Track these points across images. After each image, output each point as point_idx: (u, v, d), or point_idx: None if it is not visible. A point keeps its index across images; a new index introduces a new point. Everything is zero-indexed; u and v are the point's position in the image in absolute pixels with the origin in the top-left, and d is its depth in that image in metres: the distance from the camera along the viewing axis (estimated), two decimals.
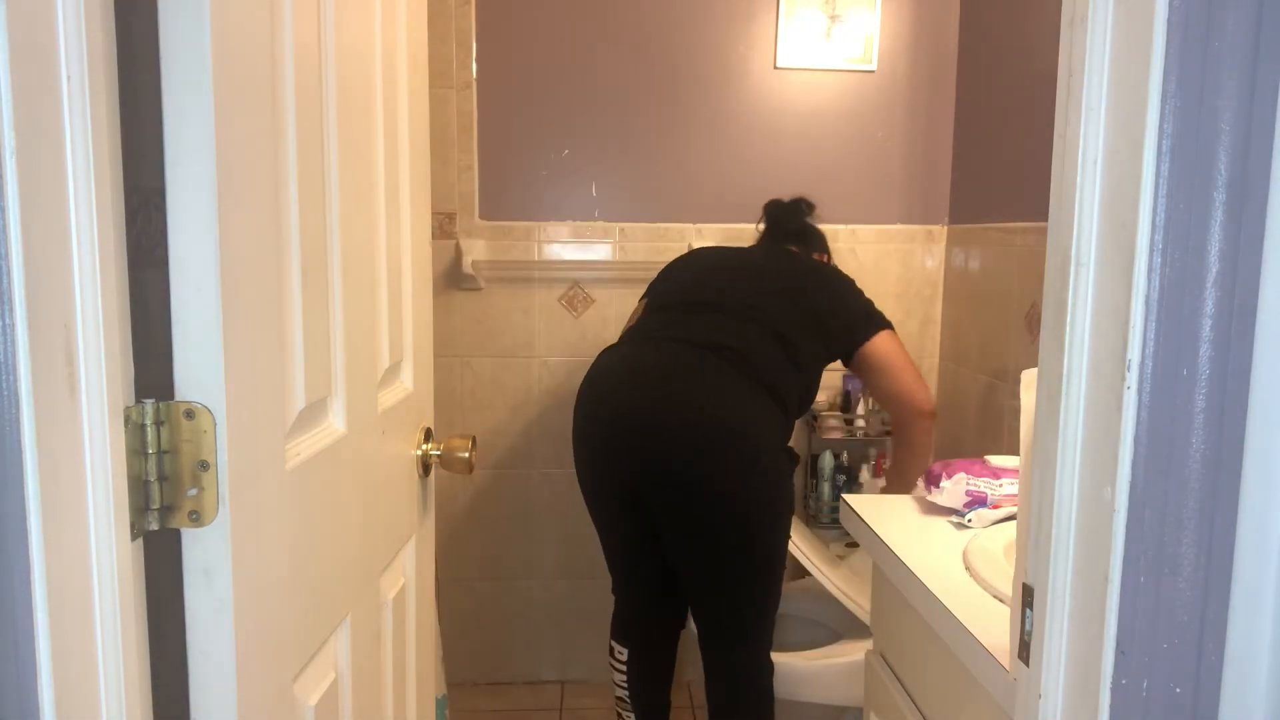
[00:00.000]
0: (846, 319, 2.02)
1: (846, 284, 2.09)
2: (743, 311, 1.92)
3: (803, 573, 2.65)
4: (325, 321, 0.89)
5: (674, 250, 2.57)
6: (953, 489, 1.41)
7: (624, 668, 2.05)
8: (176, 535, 0.69)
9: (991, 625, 1.01)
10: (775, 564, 1.87)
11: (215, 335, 0.68)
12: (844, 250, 2.61)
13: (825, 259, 2.19)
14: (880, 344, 2.01)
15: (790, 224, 2.19)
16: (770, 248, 2.16)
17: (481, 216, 2.54)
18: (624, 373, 1.89)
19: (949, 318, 2.63)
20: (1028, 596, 0.70)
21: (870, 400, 2.55)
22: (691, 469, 1.77)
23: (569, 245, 2.57)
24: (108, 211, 0.59)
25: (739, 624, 1.89)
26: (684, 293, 2.02)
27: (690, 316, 1.94)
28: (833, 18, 2.51)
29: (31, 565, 0.53)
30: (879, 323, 2.04)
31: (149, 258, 0.68)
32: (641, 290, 2.21)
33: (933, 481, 1.44)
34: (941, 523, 1.39)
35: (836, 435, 2.55)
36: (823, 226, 2.57)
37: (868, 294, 2.09)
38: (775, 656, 1.98)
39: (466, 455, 1.21)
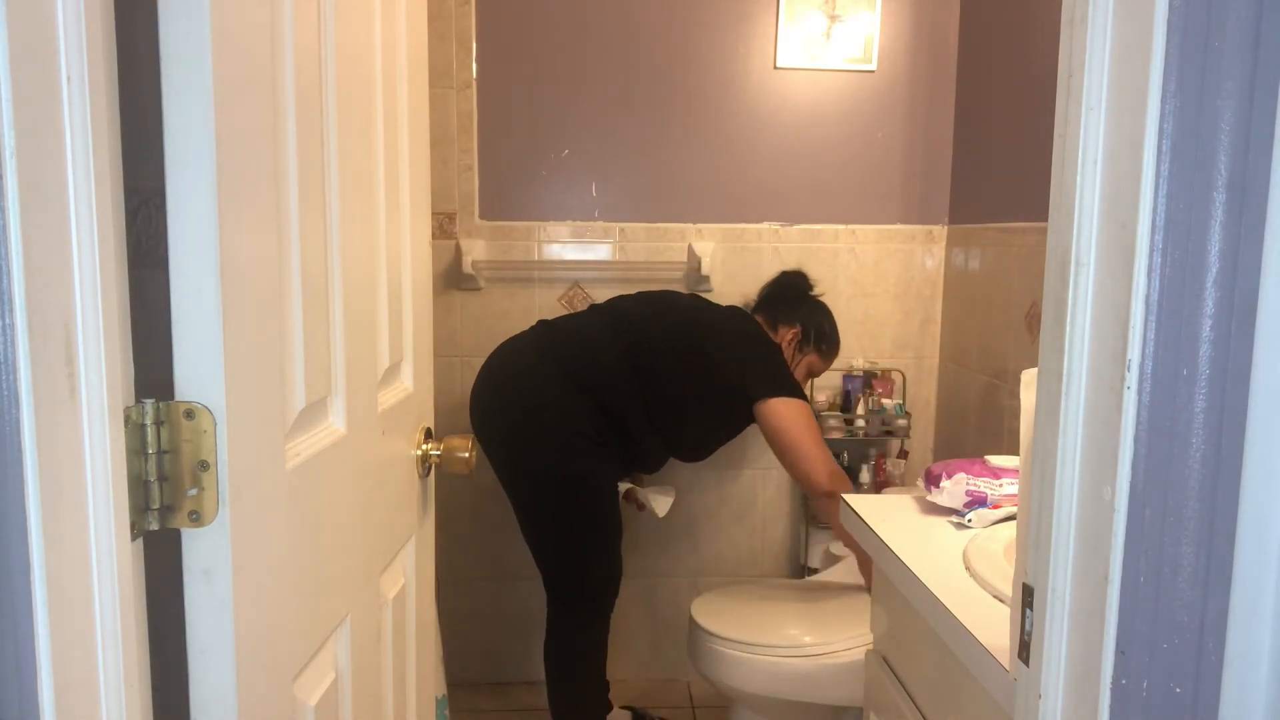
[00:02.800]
0: (740, 371, 2.07)
1: (761, 346, 2.14)
2: (608, 321, 2.13)
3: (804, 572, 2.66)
4: (325, 321, 0.89)
5: (674, 250, 2.57)
6: (953, 489, 1.41)
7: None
8: (176, 535, 0.69)
9: (991, 625, 1.01)
10: (566, 531, 2.06)
11: (215, 335, 0.68)
12: (844, 250, 2.61)
13: (794, 333, 2.22)
14: (777, 407, 2.04)
15: (762, 292, 2.35)
16: (723, 306, 2.27)
17: (481, 216, 2.54)
18: (487, 366, 2.17)
19: (949, 318, 2.63)
20: (1028, 596, 0.70)
21: (870, 400, 2.55)
22: (505, 443, 2.07)
23: (569, 245, 2.57)
24: (108, 211, 0.59)
25: (546, 583, 2.16)
26: (602, 303, 2.26)
27: (570, 320, 2.20)
28: (833, 18, 2.51)
29: (31, 565, 0.53)
30: (784, 389, 2.05)
31: (149, 258, 0.68)
32: (642, 290, 2.28)
33: (933, 481, 1.44)
34: (941, 523, 1.39)
35: (836, 435, 2.55)
36: (822, 227, 2.59)
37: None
38: (777, 655, 1.98)
39: (466, 455, 1.21)
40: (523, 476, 2.08)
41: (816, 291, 2.35)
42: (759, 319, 2.24)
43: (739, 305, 2.32)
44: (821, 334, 2.26)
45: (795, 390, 2.07)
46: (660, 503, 2.32)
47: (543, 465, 2.04)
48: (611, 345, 2.07)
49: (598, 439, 2.04)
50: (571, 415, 2.02)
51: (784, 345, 2.21)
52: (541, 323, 2.20)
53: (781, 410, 2.03)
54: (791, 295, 2.31)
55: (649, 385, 2.05)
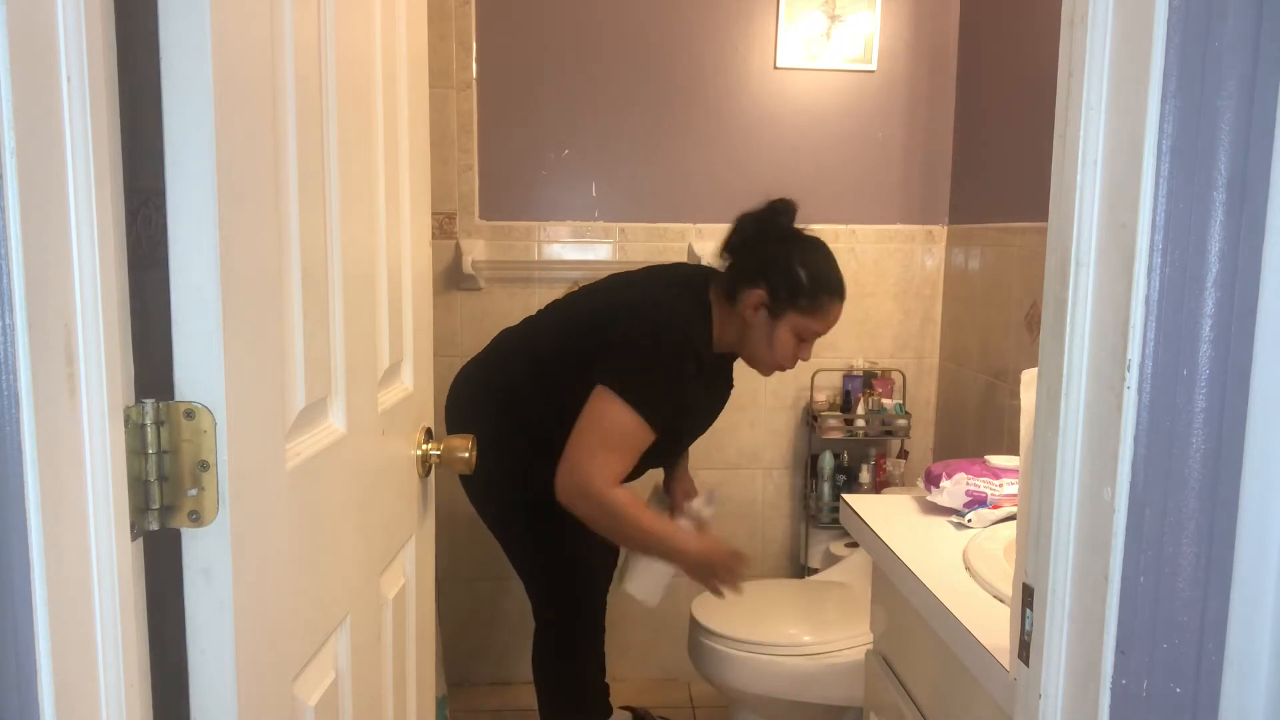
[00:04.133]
0: (608, 355, 1.71)
1: (647, 351, 1.71)
2: (526, 330, 1.96)
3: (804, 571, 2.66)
4: (325, 321, 0.89)
5: (674, 250, 2.57)
6: (953, 489, 1.41)
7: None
8: (176, 535, 0.69)
9: (991, 625, 1.01)
10: (524, 549, 1.96)
11: (215, 335, 0.68)
12: (844, 250, 2.61)
13: (758, 296, 1.74)
14: (602, 397, 1.67)
15: (722, 249, 1.87)
16: (672, 279, 1.88)
17: (481, 216, 2.54)
18: (448, 399, 2.01)
19: (949, 318, 2.63)
20: (1028, 596, 0.70)
21: (870, 400, 2.55)
22: (466, 483, 1.93)
23: (569, 245, 2.57)
24: (108, 211, 0.59)
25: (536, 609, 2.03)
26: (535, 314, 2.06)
27: (515, 326, 2.02)
28: (833, 18, 2.51)
29: (31, 565, 0.53)
30: (623, 385, 1.67)
31: (149, 258, 0.68)
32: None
33: (933, 481, 1.44)
34: (941, 523, 1.39)
35: (836, 435, 2.54)
36: (822, 227, 2.58)
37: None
38: (777, 655, 1.98)
39: (466, 455, 1.21)
40: (487, 512, 2.01)
41: (787, 226, 1.81)
42: (714, 294, 1.81)
43: (705, 268, 1.93)
44: (794, 284, 1.72)
45: (642, 399, 1.67)
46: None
47: (502, 496, 1.96)
48: (529, 370, 1.88)
49: (543, 463, 1.81)
50: (515, 448, 1.84)
51: (752, 316, 1.76)
52: (504, 331, 2.02)
53: (607, 409, 1.68)
54: (754, 244, 1.80)
55: (560, 401, 1.78)
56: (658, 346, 1.71)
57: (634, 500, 1.74)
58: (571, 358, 1.78)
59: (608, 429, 1.68)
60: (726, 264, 1.84)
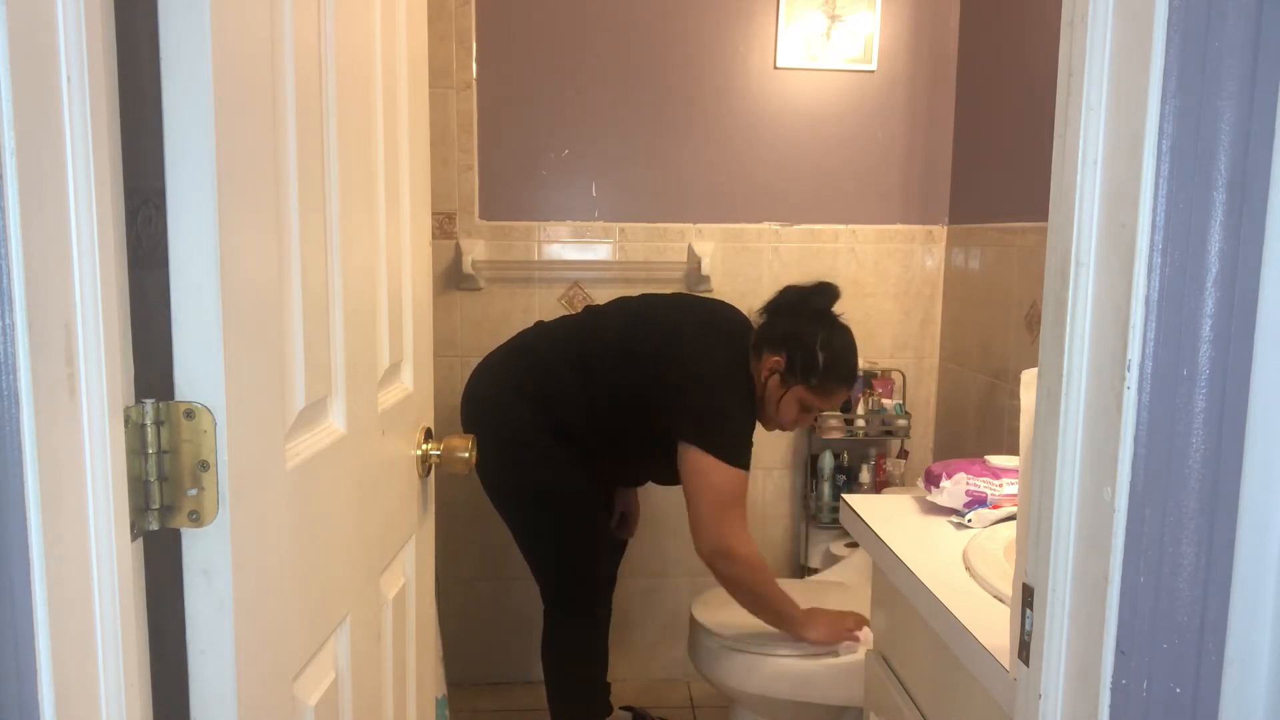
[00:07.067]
0: (676, 412, 1.84)
1: (714, 392, 1.84)
2: (576, 330, 2.02)
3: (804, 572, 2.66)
4: (325, 321, 0.89)
5: (674, 250, 2.57)
6: (953, 489, 1.41)
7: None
8: (176, 535, 0.69)
9: (991, 625, 1.01)
10: (540, 541, 2.04)
11: (215, 335, 0.68)
12: (844, 250, 2.61)
13: (774, 361, 1.87)
14: (693, 457, 1.80)
15: (769, 304, 1.99)
16: (720, 336, 1.95)
17: (481, 216, 2.54)
18: (468, 389, 2.09)
19: (949, 318, 2.63)
20: (1028, 596, 0.70)
21: (870, 400, 2.55)
22: (485, 468, 1.95)
23: (569, 245, 2.57)
24: (108, 211, 0.59)
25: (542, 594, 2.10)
26: (599, 306, 2.16)
27: (557, 329, 2.08)
28: (833, 18, 2.51)
29: (31, 565, 0.53)
30: (713, 444, 1.79)
31: (149, 258, 0.68)
32: (640, 290, 2.26)
33: (933, 481, 1.44)
34: (941, 523, 1.39)
35: (837, 435, 2.55)
36: (822, 226, 2.59)
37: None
38: (777, 655, 1.98)
39: (466, 455, 1.21)
40: (505, 498, 2.06)
41: (823, 308, 1.93)
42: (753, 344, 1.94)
43: (749, 316, 2.02)
44: (809, 362, 1.84)
45: (728, 452, 1.80)
46: None
47: (521, 486, 2.01)
48: (574, 370, 1.95)
49: (569, 458, 1.96)
50: (542, 442, 1.94)
51: (764, 378, 1.88)
52: (538, 324, 2.15)
53: (703, 466, 1.80)
54: (789, 315, 1.92)
55: (610, 414, 1.93)
56: (733, 404, 1.85)
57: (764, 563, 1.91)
58: (628, 389, 1.89)
59: (718, 489, 1.80)
60: (760, 322, 1.97)
